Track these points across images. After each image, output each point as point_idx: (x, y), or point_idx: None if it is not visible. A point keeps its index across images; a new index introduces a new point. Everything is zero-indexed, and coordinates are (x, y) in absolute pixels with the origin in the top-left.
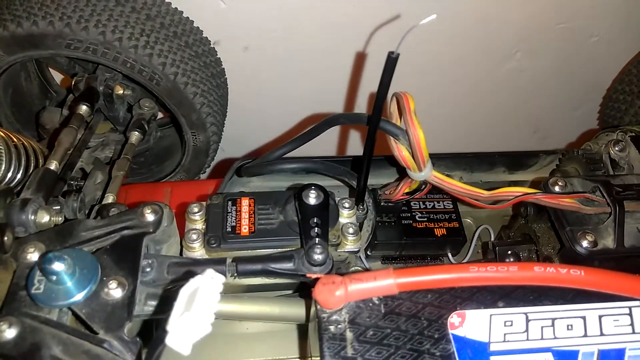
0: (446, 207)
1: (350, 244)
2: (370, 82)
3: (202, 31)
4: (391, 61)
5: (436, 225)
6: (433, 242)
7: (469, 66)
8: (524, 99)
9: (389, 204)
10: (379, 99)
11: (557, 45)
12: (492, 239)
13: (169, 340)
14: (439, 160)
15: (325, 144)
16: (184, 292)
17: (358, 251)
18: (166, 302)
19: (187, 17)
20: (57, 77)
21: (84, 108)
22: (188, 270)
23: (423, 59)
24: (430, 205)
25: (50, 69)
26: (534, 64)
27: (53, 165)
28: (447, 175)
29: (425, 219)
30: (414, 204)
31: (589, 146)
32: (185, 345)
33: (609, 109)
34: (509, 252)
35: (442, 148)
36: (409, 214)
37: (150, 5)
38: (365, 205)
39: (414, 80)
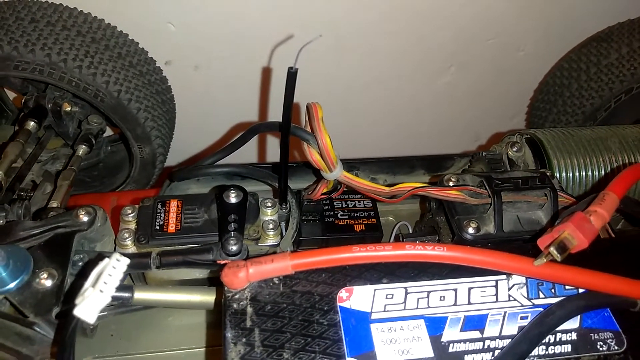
0: (366, 205)
1: (270, 239)
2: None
3: (147, 52)
4: (291, 75)
5: (356, 222)
6: (353, 237)
7: (408, 81)
8: (462, 109)
9: (312, 204)
10: (286, 108)
11: (488, 59)
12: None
13: (77, 311)
14: (364, 165)
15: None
16: (94, 272)
17: (278, 245)
18: None
19: (132, 39)
20: (13, 96)
21: (31, 124)
22: None
23: (365, 75)
24: (351, 204)
25: (5, 89)
26: (467, 77)
27: None
28: (372, 178)
29: (347, 217)
30: (337, 203)
31: (494, 148)
32: (90, 315)
33: (532, 116)
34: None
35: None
36: (332, 213)
37: (95, 29)
38: (288, 204)
39: (358, 95)
